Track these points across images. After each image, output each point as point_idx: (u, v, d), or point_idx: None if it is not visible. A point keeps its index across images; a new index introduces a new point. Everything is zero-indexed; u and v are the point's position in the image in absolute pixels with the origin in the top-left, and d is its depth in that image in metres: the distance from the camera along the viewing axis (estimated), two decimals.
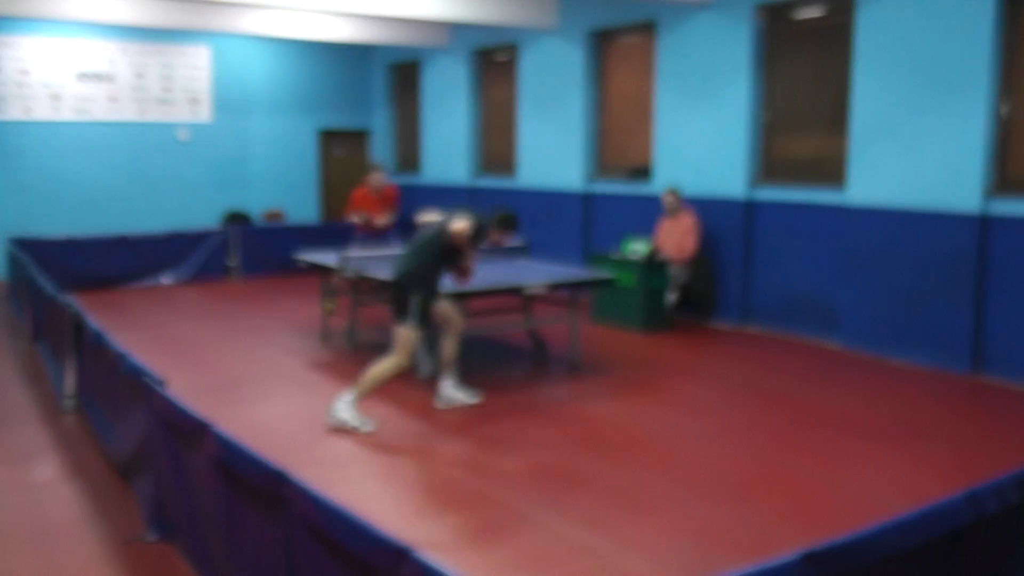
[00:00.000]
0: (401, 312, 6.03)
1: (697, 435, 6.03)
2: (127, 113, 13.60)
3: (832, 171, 8.62)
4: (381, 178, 9.99)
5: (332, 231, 12.77)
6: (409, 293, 6.01)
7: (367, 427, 5.92)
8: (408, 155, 15.34)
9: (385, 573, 2.32)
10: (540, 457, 5.52)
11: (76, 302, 6.34)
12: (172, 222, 13.66)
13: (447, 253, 6.17)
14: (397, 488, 5.09)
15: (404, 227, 14.21)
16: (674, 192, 9.40)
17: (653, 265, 9.19)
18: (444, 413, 6.44)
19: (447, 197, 13.86)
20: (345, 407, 5.97)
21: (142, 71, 13.65)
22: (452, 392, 6.57)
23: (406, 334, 6.02)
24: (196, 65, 14.09)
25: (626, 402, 6.80)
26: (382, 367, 6.02)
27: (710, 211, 9.49)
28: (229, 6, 11.27)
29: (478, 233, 6.22)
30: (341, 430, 5.90)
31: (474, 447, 5.73)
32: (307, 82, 15.21)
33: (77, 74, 13.19)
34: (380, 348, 8.47)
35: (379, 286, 6.67)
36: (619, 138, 11.12)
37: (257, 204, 14.86)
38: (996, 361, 7.35)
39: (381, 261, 8.28)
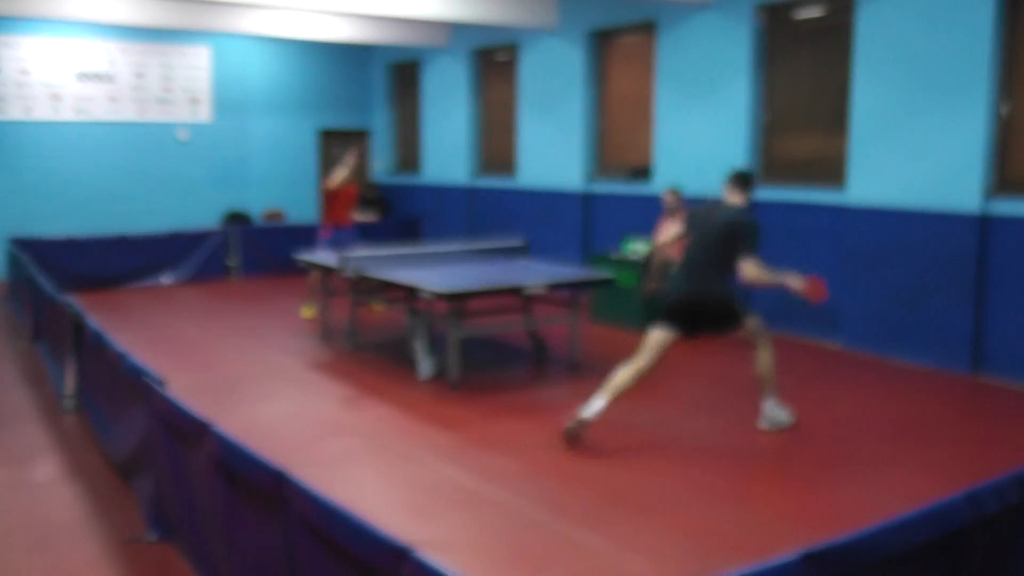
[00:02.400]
0: (730, 324, 5.90)
1: (697, 435, 6.03)
2: (127, 113, 13.60)
3: (832, 171, 8.62)
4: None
5: (332, 231, 12.75)
6: (732, 303, 5.86)
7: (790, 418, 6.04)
8: (408, 155, 15.34)
9: (385, 573, 2.32)
10: (540, 457, 5.52)
11: (76, 302, 6.33)
12: (172, 222, 13.66)
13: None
14: (397, 488, 5.09)
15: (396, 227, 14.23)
16: (674, 191, 9.40)
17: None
18: (443, 412, 6.44)
19: (447, 197, 13.90)
20: (773, 409, 6.00)
21: (142, 71, 13.66)
22: (776, 411, 6.08)
23: (752, 325, 5.97)
24: (196, 65, 14.09)
25: (626, 402, 6.79)
26: (764, 361, 5.99)
27: None
28: (229, 6, 11.27)
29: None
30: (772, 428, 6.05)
31: (474, 447, 5.73)
32: (307, 82, 15.21)
33: (77, 74, 13.19)
34: (380, 349, 8.49)
35: (680, 309, 5.94)
36: (619, 138, 11.12)
37: (257, 204, 14.86)
38: (996, 361, 7.35)
39: (381, 261, 8.28)
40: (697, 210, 6.14)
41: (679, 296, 5.84)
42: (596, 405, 5.61)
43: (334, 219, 10.05)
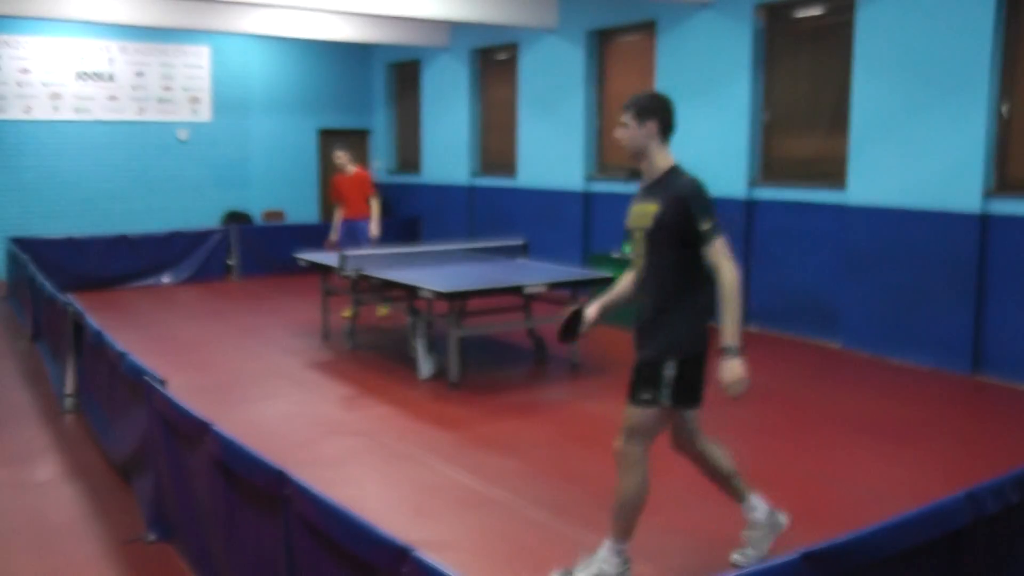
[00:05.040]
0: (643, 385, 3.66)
1: None
2: (127, 113, 13.60)
3: (832, 171, 8.61)
4: (344, 158, 9.96)
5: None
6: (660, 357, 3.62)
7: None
8: (408, 155, 15.34)
9: (385, 573, 2.32)
10: (540, 457, 5.52)
11: (76, 302, 6.33)
12: (172, 222, 13.66)
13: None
14: (397, 488, 5.08)
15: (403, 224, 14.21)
16: None
17: None
18: (443, 412, 6.43)
19: (447, 197, 13.89)
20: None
21: (142, 70, 13.65)
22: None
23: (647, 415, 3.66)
24: (196, 65, 14.08)
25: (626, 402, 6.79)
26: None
27: None
28: (229, 6, 11.27)
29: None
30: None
31: (474, 447, 5.72)
32: (307, 82, 15.21)
33: (77, 73, 13.19)
34: (380, 348, 8.49)
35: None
36: None
37: (257, 204, 14.85)
38: (996, 361, 7.35)
39: (381, 261, 8.28)
40: None
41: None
42: None
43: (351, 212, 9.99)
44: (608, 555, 3.75)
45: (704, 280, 3.70)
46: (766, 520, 3.95)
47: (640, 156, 3.75)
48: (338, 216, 10.00)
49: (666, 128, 3.73)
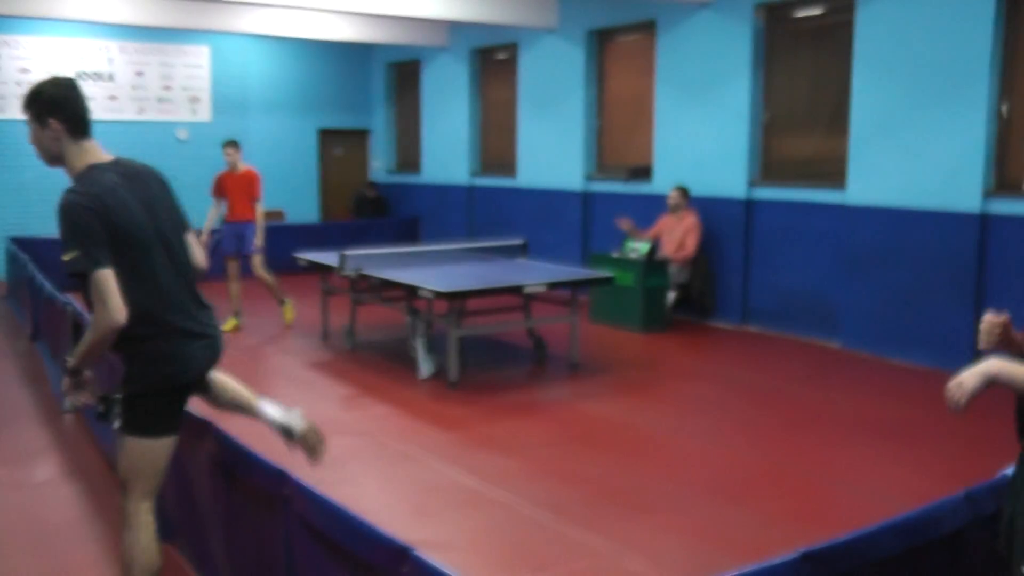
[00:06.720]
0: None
1: (697, 435, 6.03)
2: (126, 112, 13.59)
3: (832, 171, 8.62)
4: (235, 154, 9.17)
5: (332, 231, 12.75)
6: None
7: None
8: (408, 155, 15.33)
9: (385, 573, 2.32)
10: (540, 457, 5.52)
11: (76, 302, 6.33)
12: None
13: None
14: (397, 488, 5.08)
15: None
16: (681, 190, 9.40)
17: (652, 264, 9.18)
18: (443, 412, 6.43)
19: (447, 197, 13.89)
20: None
21: (142, 70, 13.65)
22: None
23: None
24: (196, 65, 14.08)
25: (626, 402, 6.80)
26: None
27: (710, 210, 9.49)
28: (229, 6, 11.27)
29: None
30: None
31: (474, 447, 5.72)
32: (307, 82, 15.20)
33: (76, 73, 13.18)
34: (379, 348, 8.49)
35: None
36: (619, 138, 11.12)
37: None
38: None
39: (381, 260, 8.27)
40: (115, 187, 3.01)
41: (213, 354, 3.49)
42: None
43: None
44: None
45: (146, 298, 3.04)
46: None
47: (58, 160, 3.08)
48: (213, 214, 9.29)
49: (73, 123, 3.03)
